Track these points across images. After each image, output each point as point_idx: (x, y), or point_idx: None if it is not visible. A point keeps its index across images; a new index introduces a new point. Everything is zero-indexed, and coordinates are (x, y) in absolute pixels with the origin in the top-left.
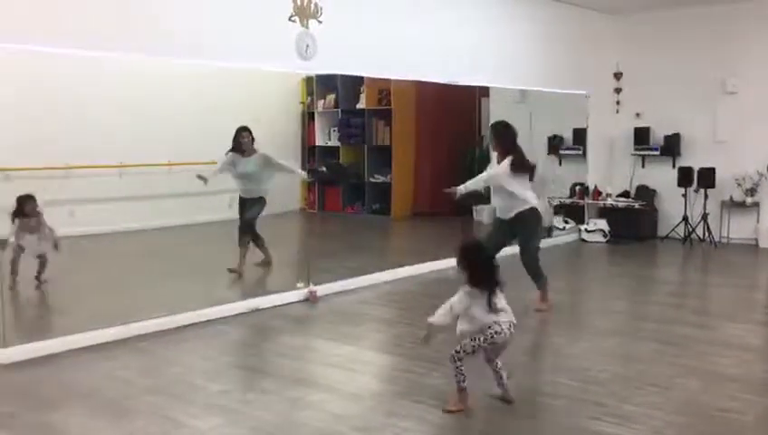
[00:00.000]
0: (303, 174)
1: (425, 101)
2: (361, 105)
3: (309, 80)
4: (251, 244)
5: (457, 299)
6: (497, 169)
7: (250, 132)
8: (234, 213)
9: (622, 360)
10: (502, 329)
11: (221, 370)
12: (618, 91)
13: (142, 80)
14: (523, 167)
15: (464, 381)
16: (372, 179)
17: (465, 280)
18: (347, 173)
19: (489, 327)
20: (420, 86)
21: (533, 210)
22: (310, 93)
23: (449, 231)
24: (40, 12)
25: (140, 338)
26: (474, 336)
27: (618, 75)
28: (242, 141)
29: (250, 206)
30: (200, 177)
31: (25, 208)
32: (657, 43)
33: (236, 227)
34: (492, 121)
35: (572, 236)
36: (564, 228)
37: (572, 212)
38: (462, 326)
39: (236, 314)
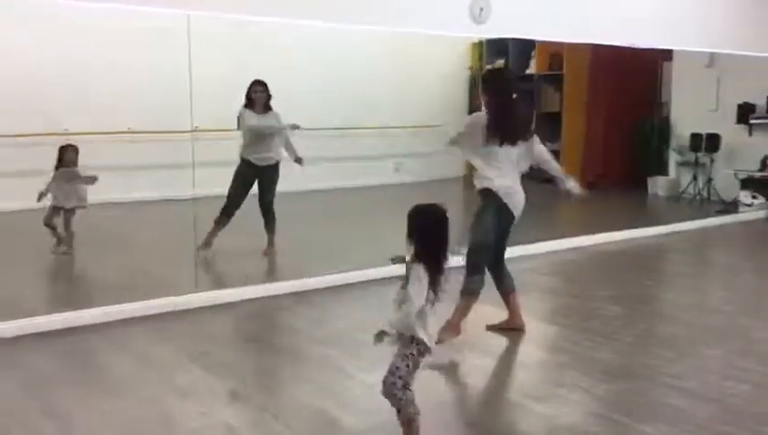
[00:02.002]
0: (294, 157)
1: (599, 66)
2: (531, 70)
3: (478, 44)
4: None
5: (416, 286)
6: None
7: (265, 87)
8: (400, 177)
9: None
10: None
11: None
12: None
13: (314, 47)
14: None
15: (418, 414)
16: None
17: (413, 254)
18: None
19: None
20: (595, 50)
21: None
22: (479, 58)
23: (621, 203)
24: None
25: (312, 293)
26: (406, 351)
27: None
28: (253, 96)
29: (266, 177)
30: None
31: (64, 157)
32: None
33: (346, 196)
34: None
35: (762, 213)
36: (752, 204)
37: (763, 187)
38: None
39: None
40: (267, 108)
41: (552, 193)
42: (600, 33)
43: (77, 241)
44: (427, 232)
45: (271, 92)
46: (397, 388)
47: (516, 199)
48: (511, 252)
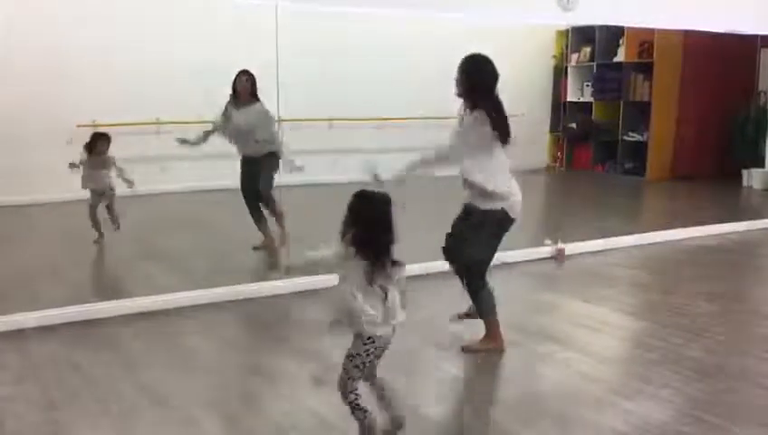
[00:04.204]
0: (296, 163)
1: (693, 53)
2: (619, 58)
3: (564, 32)
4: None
5: (356, 282)
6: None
7: (251, 76)
8: None
9: None
10: (387, 332)
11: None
12: None
13: (382, 36)
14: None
15: (366, 414)
16: (626, 137)
17: (351, 246)
18: (598, 130)
19: (373, 327)
20: (688, 36)
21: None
22: (565, 46)
23: (713, 196)
24: None
25: None
26: (353, 351)
27: None
28: (237, 85)
29: (259, 167)
30: (183, 141)
31: (96, 145)
32: None
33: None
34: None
35: None
36: None
37: None
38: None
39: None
40: (251, 99)
41: (638, 184)
42: (696, 19)
43: (162, 226)
44: (371, 221)
45: (257, 83)
46: (345, 388)
47: (519, 206)
48: (598, 245)
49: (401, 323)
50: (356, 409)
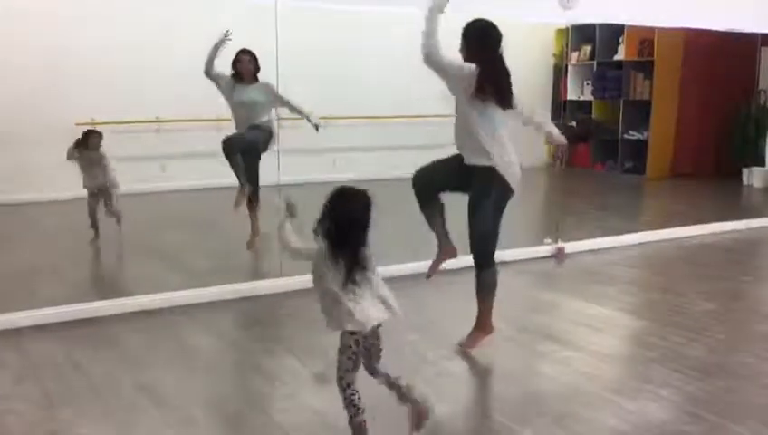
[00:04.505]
0: (316, 120)
1: (693, 52)
2: (619, 57)
3: (564, 30)
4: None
5: (334, 279)
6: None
7: (253, 56)
8: None
9: None
10: (363, 325)
11: (470, 316)
12: None
13: (382, 35)
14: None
15: (357, 412)
16: (627, 136)
17: (325, 242)
18: (598, 128)
19: (348, 322)
20: (689, 35)
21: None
22: (565, 45)
23: (713, 194)
24: None
25: (395, 280)
26: (342, 344)
27: None
28: (239, 66)
29: (255, 132)
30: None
31: (88, 142)
32: None
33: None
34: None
35: None
36: None
37: None
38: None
39: None
40: (253, 81)
41: (638, 183)
42: (696, 18)
43: (162, 225)
44: (347, 217)
45: (259, 63)
46: (339, 384)
47: (517, 173)
48: (598, 243)
49: (384, 319)
50: (349, 405)
